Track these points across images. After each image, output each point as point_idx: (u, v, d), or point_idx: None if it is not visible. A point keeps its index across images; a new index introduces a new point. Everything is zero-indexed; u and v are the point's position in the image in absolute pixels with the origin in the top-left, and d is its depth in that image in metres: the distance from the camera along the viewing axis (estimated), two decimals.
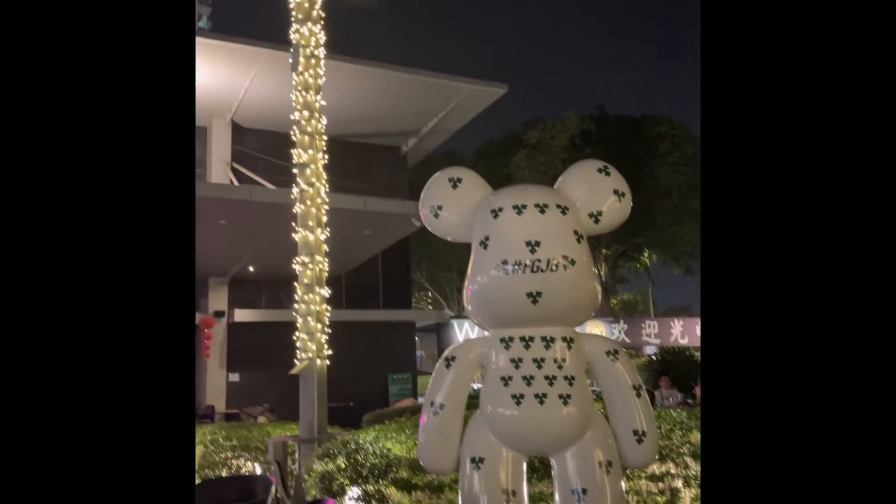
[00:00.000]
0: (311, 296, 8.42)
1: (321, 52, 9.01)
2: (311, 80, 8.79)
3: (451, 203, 3.54)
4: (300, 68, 8.80)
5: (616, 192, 3.46)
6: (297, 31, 8.88)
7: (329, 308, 8.61)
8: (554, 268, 3.19)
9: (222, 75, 17.61)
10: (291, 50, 8.94)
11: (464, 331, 27.54)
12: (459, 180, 3.56)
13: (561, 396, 3.21)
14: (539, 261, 3.18)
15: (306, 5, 8.87)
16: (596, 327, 26.70)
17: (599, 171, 3.50)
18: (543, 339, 3.28)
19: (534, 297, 3.18)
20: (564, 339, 3.31)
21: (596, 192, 3.45)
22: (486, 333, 3.50)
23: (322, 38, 9.02)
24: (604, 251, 33.63)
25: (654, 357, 20.04)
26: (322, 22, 9.06)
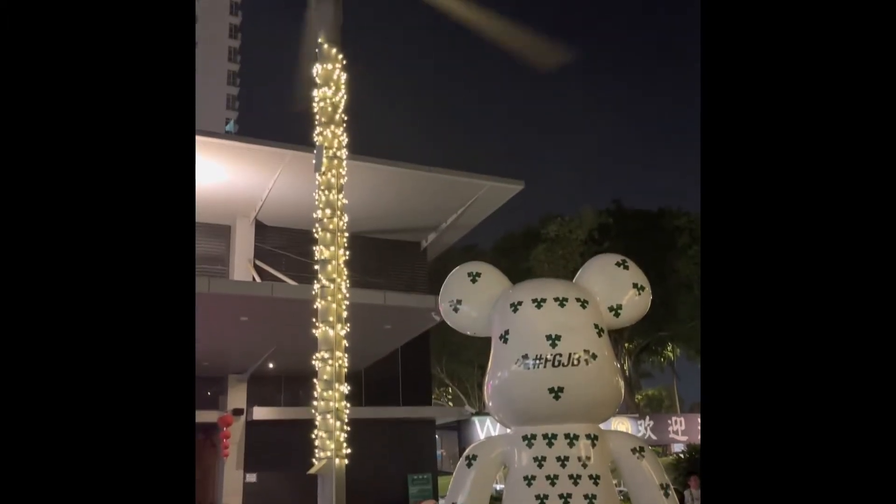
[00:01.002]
0: (330, 392, 8.34)
1: (344, 152, 9.31)
2: (333, 180, 9.05)
3: (471, 297, 3.56)
4: (323, 169, 9.07)
5: (635, 285, 3.46)
6: (320, 133, 9.22)
7: (348, 405, 8.51)
8: (576, 362, 3.16)
9: (247, 176, 18.16)
10: (315, 151, 9.25)
11: (485, 428, 26.89)
12: (478, 275, 3.59)
13: (586, 497, 3.11)
14: (560, 355, 3.16)
15: (329, 109, 9.24)
16: (621, 424, 25.98)
17: (618, 264, 3.53)
18: (567, 436, 3.21)
19: (556, 392, 3.14)
20: (589, 436, 3.24)
21: (615, 286, 3.46)
22: (509, 430, 3.43)
23: (344, 139, 9.35)
24: (626, 345, 33.16)
25: (682, 455, 19.35)
26: (345, 125, 9.41)
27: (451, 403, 40.09)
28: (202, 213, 19.67)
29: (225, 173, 17.81)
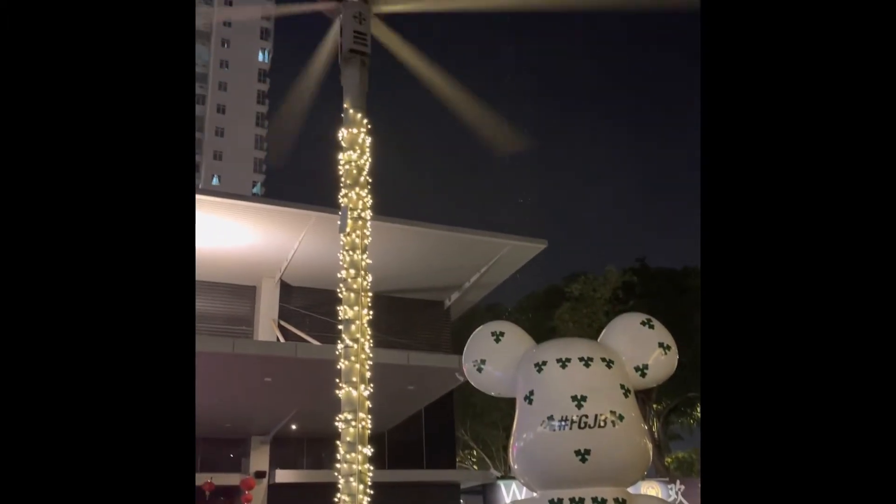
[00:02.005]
0: (353, 455, 8.23)
1: (368, 213, 9.44)
2: (357, 240, 9.15)
3: (495, 357, 3.54)
4: (348, 229, 9.19)
5: (661, 344, 3.43)
6: (345, 194, 9.38)
7: (371, 468, 8.38)
8: (602, 424, 3.11)
9: (273, 237, 18.43)
10: (340, 212, 9.39)
11: (511, 492, 26.21)
12: (502, 334, 3.58)
13: None
14: (586, 416, 3.11)
15: (354, 172, 9.42)
16: (651, 488, 25.17)
17: (643, 323, 3.50)
18: (595, 500, 3.13)
19: (582, 455, 3.08)
20: (617, 500, 3.16)
21: (641, 346, 3.43)
22: (535, 494, 3.36)
23: (369, 201, 9.49)
24: (654, 406, 32.42)
25: None
26: (369, 186, 9.57)
27: (475, 467, 39.26)
28: (228, 274, 19.92)
29: (251, 235, 18.10)
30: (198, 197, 17.26)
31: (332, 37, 10.09)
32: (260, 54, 72.10)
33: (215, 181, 65.91)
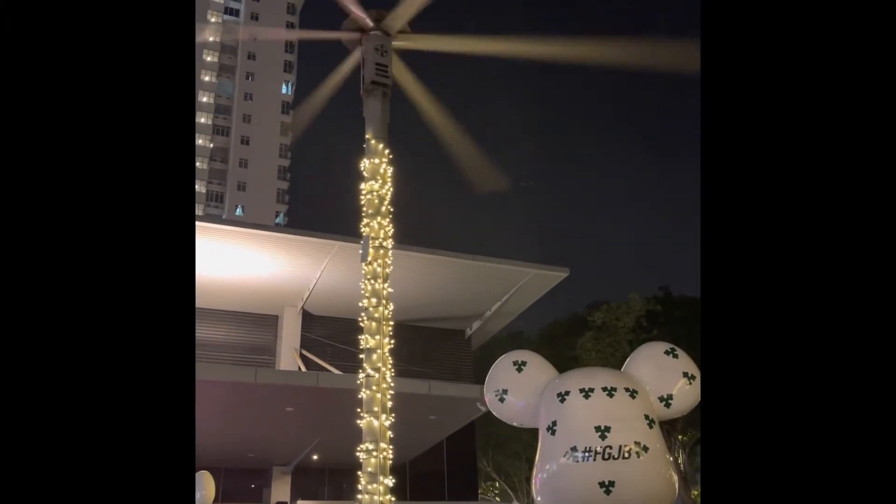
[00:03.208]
0: (374, 485, 8.17)
1: (389, 242, 9.48)
2: (379, 269, 9.18)
3: (517, 387, 3.52)
4: (369, 258, 9.23)
5: (686, 374, 3.38)
6: (367, 224, 9.44)
7: (393, 499, 8.31)
8: (626, 455, 3.07)
9: (296, 267, 18.55)
10: (361, 241, 9.45)
11: None
12: (524, 363, 3.56)
13: None
14: (610, 447, 3.07)
15: (376, 202, 9.50)
16: None
17: (667, 353, 3.46)
18: None
19: (607, 486, 3.03)
20: None
21: (665, 375, 3.39)
22: None
23: (390, 230, 9.54)
24: (680, 437, 31.83)
25: None
26: (391, 216, 9.63)
27: (498, 499, 38.70)
28: (251, 304, 20.07)
29: (274, 264, 18.24)
30: (221, 227, 17.48)
31: (347, 66, 10.25)
32: (283, 87, 73.36)
33: (239, 211, 66.72)
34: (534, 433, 3.45)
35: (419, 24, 9.98)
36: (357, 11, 9.66)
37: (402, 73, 10.15)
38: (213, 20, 72.15)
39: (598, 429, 3.13)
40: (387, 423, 8.54)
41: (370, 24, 9.75)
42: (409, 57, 10.02)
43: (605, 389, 3.26)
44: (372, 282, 9.16)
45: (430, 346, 22.01)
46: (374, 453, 8.32)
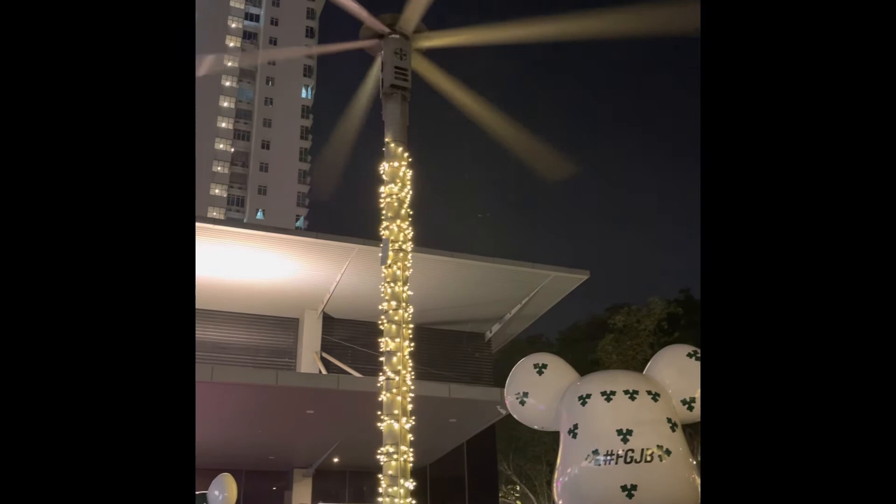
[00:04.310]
0: (395, 489, 8.18)
1: (409, 245, 9.50)
2: (399, 273, 9.20)
3: (537, 390, 3.50)
4: (389, 261, 9.25)
5: None
6: (386, 227, 9.47)
7: (413, 502, 8.31)
8: (649, 458, 3.04)
9: (316, 270, 18.65)
10: (381, 245, 9.48)
11: None
12: (545, 366, 3.54)
13: None
14: (632, 451, 3.04)
15: (396, 205, 9.52)
16: None
17: (689, 355, 3.43)
18: None
19: (629, 490, 3.01)
20: None
21: (687, 378, 3.35)
22: None
23: (410, 233, 9.56)
24: (700, 436, 31.53)
25: None
26: (410, 218, 9.65)
27: (519, 502, 38.56)
28: (272, 307, 20.20)
29: (295, 267, 18.35)
30: (242, 231, 17.62)
31: (375, 73, 10.29)
32: (303, 91, 73.89)
33: (259, 215, 67.25)
34: (555, 436, 3.44)
35: (437, 23, 10.00)
36: (369, 18, 9.71)
37: (441, 79, 10.17)
38: (233, 25, 72.83)
39: (619, 432, 3.11)
40: (407, 426, 8.54)
41: (385, 28, 9.78)
42: (442, 56, 10.05)
43: (626, 392, 3.23)
44: (392, 285, 9.18)
45: (449, 349, 22.00)
46: (395, 456, 8.33)
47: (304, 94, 73.85)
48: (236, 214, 67.28)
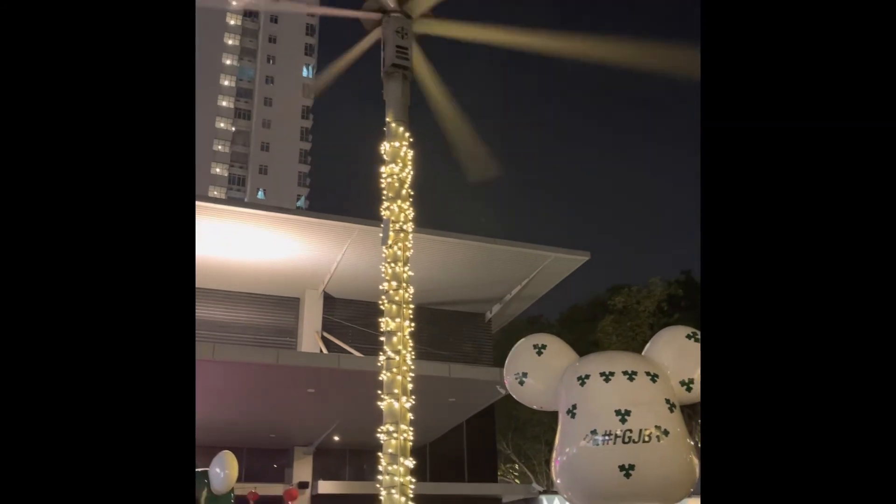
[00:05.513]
0: (395, 467, 8.24)
1: (410, 226, 9.49)
2: (399, 253, 9.20)
3: (537, 370, 3.52)
4: (389, 242, 9.25)
5: None
6: (387, 207, 9.45)
7: (413, 480, 8.38)
8: (647, 438, 3.06)
9: (317, 250, 18.66)
10: (382, 225, 9.46)
11: None
12: (544, 346, 3.56)
13: None
14: (630, 431, 3.07)
15: (396, 185, 9.49)
16: None
17: (689, 336, 3.44)
18: None
19: (626, 470, 3.03)
20: None
21: (686, 359, 3.36)
22: None
23: (411, 213, 9.54)
24: (700, 421, 31.74)
25: None
26: (411, 199, 9.63)
27: (517, 481, 38.91)
28: (273, 286, 20.24)
29: (295, 247, 18.36)
30: (243, 210, 17.61)
31: (363, 45, 10.18)
32: (304, 70, 73.43)
33: (260, 195, 67.14)
34: (554, 416, 3.46)
35: (443, 10, 9.91)
36: None
37: (419, 63, 10.09)
38: None
39: (618, 412, 3.13)
40: (407, 405, 8.59)
41: (391, 4, 9.69)
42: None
43: (625, 373, 3.25)
44: (392, 265, 9.18)
45: (450, 329, 22.07)
46: (395, 435, 8.39)
47: (305, 73, 73.39)
48: (237, 194, 67.18)
